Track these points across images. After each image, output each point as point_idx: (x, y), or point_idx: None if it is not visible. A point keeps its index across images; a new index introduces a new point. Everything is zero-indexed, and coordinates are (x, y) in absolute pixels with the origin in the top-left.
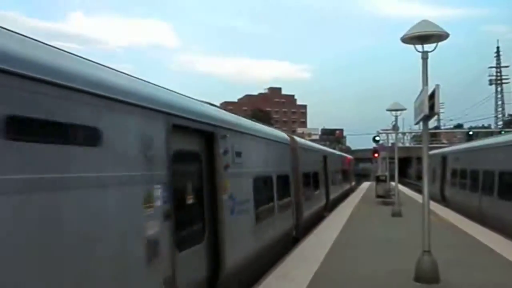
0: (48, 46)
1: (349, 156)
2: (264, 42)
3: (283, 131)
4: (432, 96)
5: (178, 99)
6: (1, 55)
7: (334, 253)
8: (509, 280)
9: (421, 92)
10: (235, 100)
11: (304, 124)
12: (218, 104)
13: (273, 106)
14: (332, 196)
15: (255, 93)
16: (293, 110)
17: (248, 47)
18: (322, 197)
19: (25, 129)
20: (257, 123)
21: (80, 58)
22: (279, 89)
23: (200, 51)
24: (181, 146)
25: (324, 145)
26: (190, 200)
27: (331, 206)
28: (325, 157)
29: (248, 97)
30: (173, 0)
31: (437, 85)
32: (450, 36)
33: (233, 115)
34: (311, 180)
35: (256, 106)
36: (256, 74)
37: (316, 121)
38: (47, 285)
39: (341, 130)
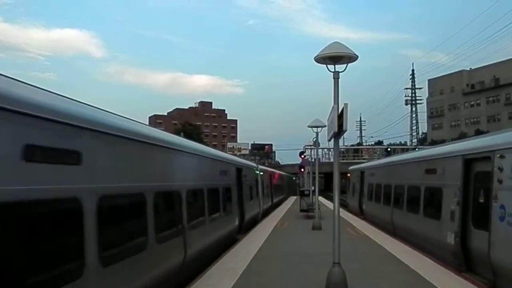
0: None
1: (279, 172)
2: (196, 57)
3: (213, 146)
4: (341, 115)
5: (237, 159)
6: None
7: (252, 266)
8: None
9: (331, 110)
10: (165, 113)
11: (234, 138)
12: (147, 117)
13: (204, 120)
14: (275, 200)
15: (186, 107)
16: (223, 124)
17: (180, 60)
18: (269, 199)
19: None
20: (249, 162)
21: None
22: (210, 103)
23: (128, 61)
24: (238, 175)
25: (253, 160)
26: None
27: (274, 206)
28: (270, 175)
29: (178, 110)
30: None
31: (345, 104)
32: (375, 58)
33: (243, 160)
34: (268, 188)
35: (186, 120)
36: (187, 88)
37: (246, 136)
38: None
39: (270, 145)
